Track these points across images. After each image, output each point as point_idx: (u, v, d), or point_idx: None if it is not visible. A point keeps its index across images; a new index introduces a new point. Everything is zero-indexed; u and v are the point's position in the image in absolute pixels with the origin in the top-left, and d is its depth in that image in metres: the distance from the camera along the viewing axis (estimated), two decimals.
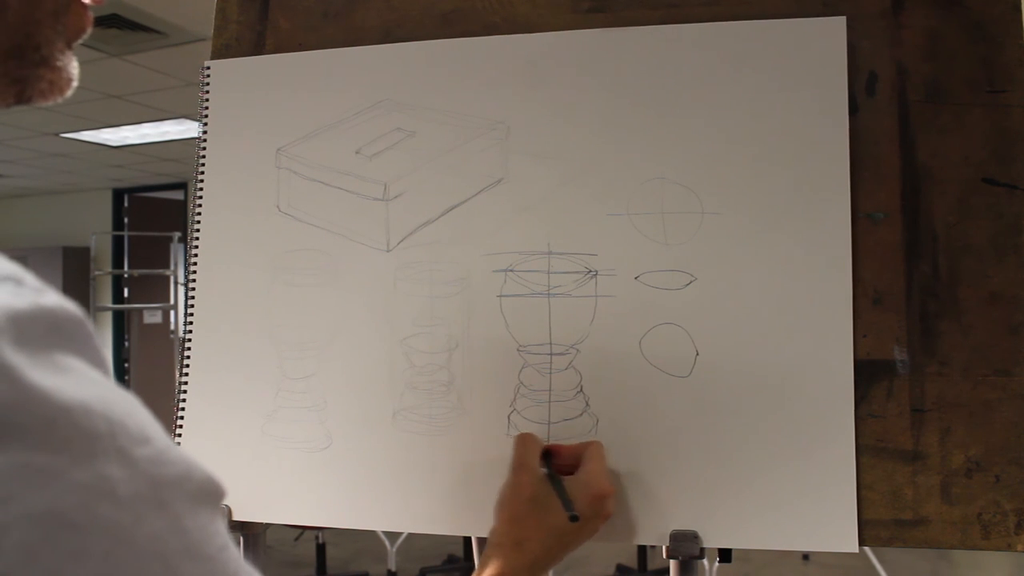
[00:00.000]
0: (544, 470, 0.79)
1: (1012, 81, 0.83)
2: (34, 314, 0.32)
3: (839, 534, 0.80)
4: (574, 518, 0.73)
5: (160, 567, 0.31)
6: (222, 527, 0.36)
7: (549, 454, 0.81)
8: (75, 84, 0.50)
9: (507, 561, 0.72)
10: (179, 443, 0.96)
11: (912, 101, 0.85)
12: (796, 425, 0.82)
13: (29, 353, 0.30)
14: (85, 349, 0.34)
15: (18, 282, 0.33)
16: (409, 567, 3.95)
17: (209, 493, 0.36)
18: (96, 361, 0.34)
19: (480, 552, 1.02)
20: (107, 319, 7.75)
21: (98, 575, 0.30)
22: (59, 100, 0.49)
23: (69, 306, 0.34)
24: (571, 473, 0.79)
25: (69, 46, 0.49)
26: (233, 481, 0.93)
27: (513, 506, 0.76)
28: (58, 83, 0.49)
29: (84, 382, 0.32)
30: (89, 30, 0.50)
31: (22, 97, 0.48)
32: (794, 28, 0.87)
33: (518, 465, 0.78)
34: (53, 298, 0.33)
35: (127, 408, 0.33)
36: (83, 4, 0.49)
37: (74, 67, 0.49)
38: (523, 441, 0.80)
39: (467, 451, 0.89)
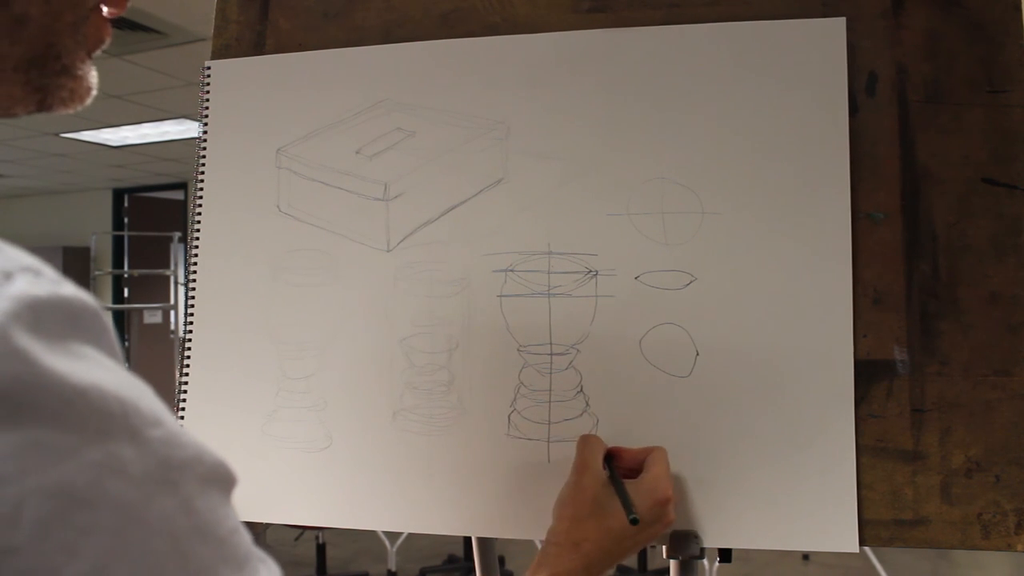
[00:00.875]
0: (606, 472, 0.78)
1: (1012, 81, 0.83)
2: (52, 303, 0.33)
3: (839, 534, 0.80)
4: (634, 521, 0.72)
5: (169, 545, 0.32)
6: (233, 512, 0.36)
7: (611, 457, 0.81)
8: (95, 93, 0.51)
9: (563, 561, 0.73)
10: None
11: (912, 101, 0.85)
12: (796, 425, 0.82)
13: (46, 339, 0.32)
14: (100, 340, 0.35)
15: (37, 273, 0.34)
16: (409, 567, 3.95)
17: (220, 477, 0.36)
18: (110, 351, 0.35)
19: (481, 552, 1.02)
20: None
21: (108, 550, 0.30)
22: (79, 108, 0.50)
23: (86, 298, 0.35)
24: (633, 477, 0.78)
25: (89, 56, 0.50)
26: None
27: (575, 506, 0.76)
28: (78, 92, 0.50)
29: (98, 368, 0.33)
30: (108, 40, 0.51)
31: (43, 105, 0.49)
32: (794, 29, 0.87)
33: (581, 466, 0.78)
34: (71, 289, 0.34)
35: (140, 393, 0.34)
36: (102, 15, 0.50)
37: (93, 76, 0.50)
38: (587, 443, 0.80)
39: (467, 451, 0.89)
